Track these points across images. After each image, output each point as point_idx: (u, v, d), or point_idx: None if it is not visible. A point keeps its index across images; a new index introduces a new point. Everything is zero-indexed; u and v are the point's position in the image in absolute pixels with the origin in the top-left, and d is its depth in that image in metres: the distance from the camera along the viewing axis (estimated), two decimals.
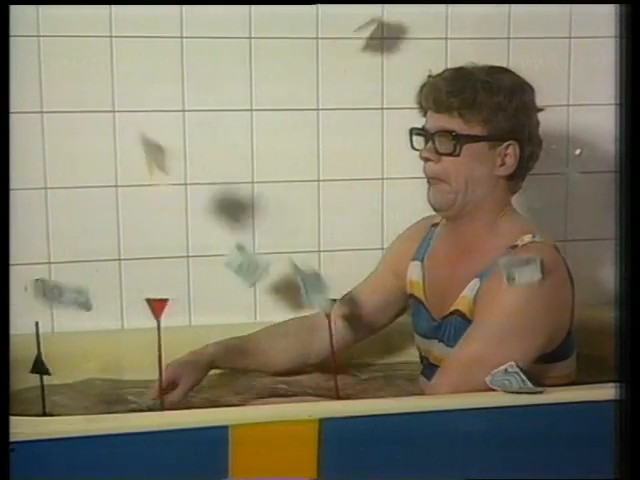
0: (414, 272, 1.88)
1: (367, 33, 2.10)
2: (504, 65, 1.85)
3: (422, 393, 1.77)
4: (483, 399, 1.57)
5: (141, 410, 1.75)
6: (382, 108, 2.19)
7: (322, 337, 1.80)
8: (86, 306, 1.64)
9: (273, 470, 1.49)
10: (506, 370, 1.57)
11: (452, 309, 1.75)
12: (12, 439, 1.37)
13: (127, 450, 1.46)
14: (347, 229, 2.20)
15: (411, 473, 1.53)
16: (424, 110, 1.78)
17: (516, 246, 1.71)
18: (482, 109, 1.70)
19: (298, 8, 2.08)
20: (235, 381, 1.94)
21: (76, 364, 1.98)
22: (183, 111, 2.11)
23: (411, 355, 2.05)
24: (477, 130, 1.71)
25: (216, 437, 1.47)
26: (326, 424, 1.50)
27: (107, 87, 2.06)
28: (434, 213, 1.84)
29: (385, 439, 1.53)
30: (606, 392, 1.53)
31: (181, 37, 2.08)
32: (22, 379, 1.80)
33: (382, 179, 2.20)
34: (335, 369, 1.67)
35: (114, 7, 2.04)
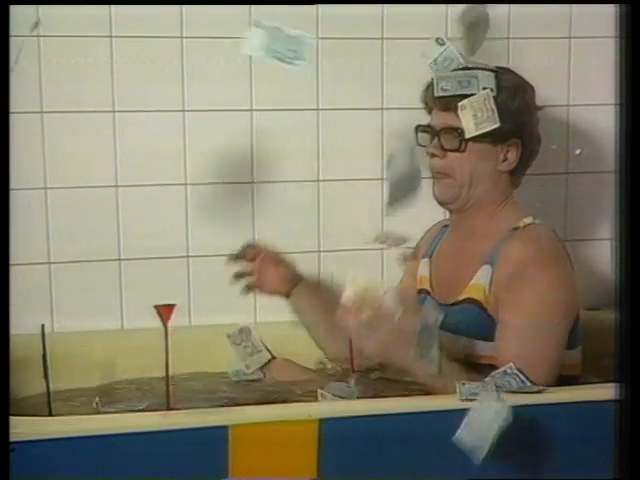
0: (424, 269, 1.92)
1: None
2: (503, 65, 1.86)
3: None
4: None
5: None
6: (382, 108, 2.20)
7: None
8: None
9: (273, 470, 1.49)
10: (505, 372, 1.58)
11: (462, 297, 1.78)
12: (12, 439, 1.37)
13: (127, 450, 1.46)
14: (347, 229, 2.20)
15: (411, 473, 1.53)
16: (429, 108, 1.83)
17: (517, 228, 1.78)
18: None
19: (298, 8, 2.08)
20: None
21: (76, 364, 1.98)
22: (183, 111, 2.11)
23: None
24: None
25: (216, 437, 1.47)
26: (326, 424, 1.50)
27: (107, 87, 2.06)
28: (439, 218, 1.88)
29: (385, 439, 1.53)
30: (606, 392, 1.53)
31: (181, 37, 2.09)
32: (22, 380, 1.81)
33: (382, 179, 2.20)
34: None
35: (114, 7, 2.04)
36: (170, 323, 1.60)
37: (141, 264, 2.12)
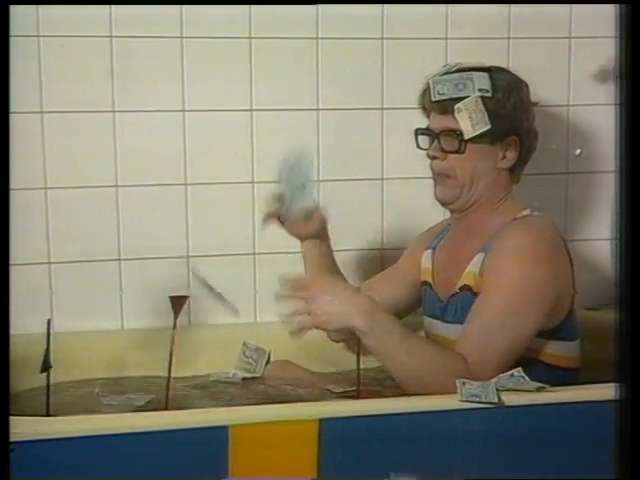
0: (426, 260, 1.94)
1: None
2: (503, 65, 1.86)
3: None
4: None
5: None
6: (382, 108, 2.20)
7: None
8: None
9: (273, 470, 1.49)
10: (512, 374, 1.58)
11: (458, 287, 1.80)
12: (12, 439, 1.37)
13: (127, 450, 1.46)
14: (347, 229, 2.20)
15: (411, 473, 1.52)
16: (427, 112, 1.85)
17: (516, 219, 1.80)
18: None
19: (298, 8, 2.08)
20: None
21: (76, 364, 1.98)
22: (183, 111, 2.11)
23: None
24: None
25: (216, 437, 1.47)
26: (326, 424, 1.50)
27: (107, 87, 2.06)
28: (439, 218, 1.89)
29: (385, 439, 1.53)
30: (606, 392, 1.53)
31: (181, 37, 2.09)
32: (22, 379, 1.81)
33: (382, 179, 2.20)
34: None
35: (114, 7, 2.04)
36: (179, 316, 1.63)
37: (141, 264, 2.12)
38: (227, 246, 2.13)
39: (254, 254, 2.17)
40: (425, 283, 1.93)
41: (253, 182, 2.16)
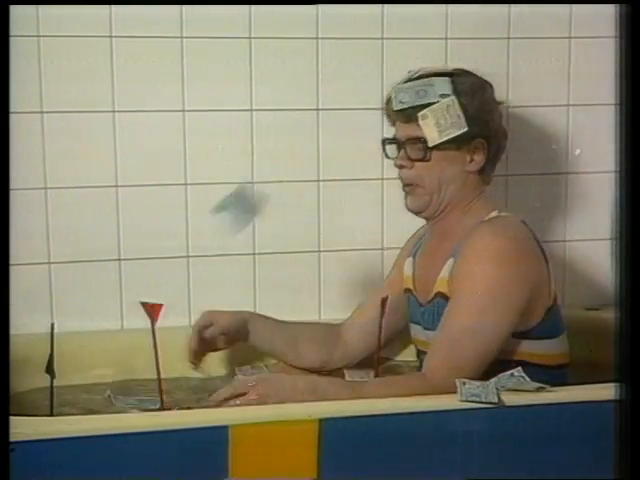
0: (408, 267, 1.94)
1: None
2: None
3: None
4: None
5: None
6: (381, 108, 2.19)
7: (344, 343, 1.98)
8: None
9: (273, 470, 1.49)
10: (512, 374, 1.58)
11: (434, 293, 1.80)
12: (12, 439, 1.38)
13: (127, 450, 1.46)
14: (347, 229, 2.20)
15: (411, 473, 1.53)
16: (393, 120, 1.85)
17: (483, 222, 1.80)
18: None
19: (298, 8, 2.08)
20: None
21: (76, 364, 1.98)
22: (183, 111, 2.11)
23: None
24: None
25: (216, 437, 1.47)
26: (326, 424, 1.50)
27: (107, 87, 2.06)
28: None
29: (385, 439, 1.53)
30: (606, 392, 1.53)
31: (181, 37, 2.08)
32: (22, 379, 1.81)
33: (382, 179, 2.20)
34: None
35: (114, 7, 2.04)
36: (161, 318, 1.62)
37: (141, 264, 2.12)
38: (227, 246, 2.13)
39: (254, 254, 2.17)
40: (407, 290, 1.93)
41: (253, 182, 2.16)
